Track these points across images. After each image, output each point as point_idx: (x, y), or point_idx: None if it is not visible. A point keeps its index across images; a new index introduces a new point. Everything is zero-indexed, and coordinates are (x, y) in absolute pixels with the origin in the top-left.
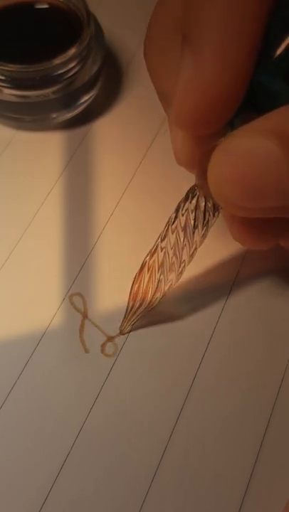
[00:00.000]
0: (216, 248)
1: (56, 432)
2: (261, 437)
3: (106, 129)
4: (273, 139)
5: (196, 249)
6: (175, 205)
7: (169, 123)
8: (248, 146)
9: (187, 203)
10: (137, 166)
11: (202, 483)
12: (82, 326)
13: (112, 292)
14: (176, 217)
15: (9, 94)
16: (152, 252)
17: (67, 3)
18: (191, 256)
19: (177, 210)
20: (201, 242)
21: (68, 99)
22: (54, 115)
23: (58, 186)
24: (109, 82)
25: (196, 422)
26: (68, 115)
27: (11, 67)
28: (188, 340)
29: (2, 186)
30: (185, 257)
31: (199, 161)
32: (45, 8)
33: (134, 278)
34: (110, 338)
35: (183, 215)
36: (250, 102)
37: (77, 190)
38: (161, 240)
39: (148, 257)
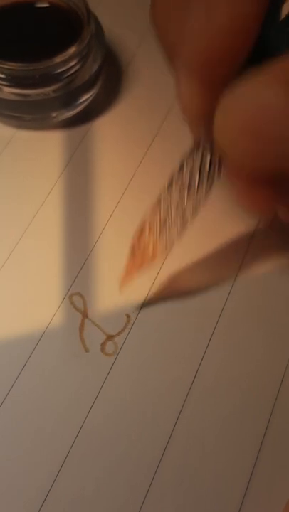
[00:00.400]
0: (214, 249)
1: (56, 431)
2: (261, 437)
3: (106, 128)
4: (280, 85)
5: (198, 207)
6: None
7: (177, 76)
8: (254, 92)
9: (191, 160)
10: (137, 165)
11: (202, 483)
12: (82, 325)
13: (111, 292)
14: (179, 175)
15: (9, 92)
16: (154, 210)
17: (68, 2)
18: (194, 214)
19: (181, 167)
20: (204, 200)
21: (68, 98)
22: (54, 114)
23: (58, 186)
24: (109, 81)
25: (196, 421)
26: (68, 114)
27: (11, 66)
28: (188, 339)
29: (2, 185)
30: (187, 214)
31: (207, 113)
32: (46, 7)
33: (136, 235)
34: (110, 337)
35: (186, 172)
36: (258, 59)
37: (77, 189)
38: (163, 197)
39: (149, 215)
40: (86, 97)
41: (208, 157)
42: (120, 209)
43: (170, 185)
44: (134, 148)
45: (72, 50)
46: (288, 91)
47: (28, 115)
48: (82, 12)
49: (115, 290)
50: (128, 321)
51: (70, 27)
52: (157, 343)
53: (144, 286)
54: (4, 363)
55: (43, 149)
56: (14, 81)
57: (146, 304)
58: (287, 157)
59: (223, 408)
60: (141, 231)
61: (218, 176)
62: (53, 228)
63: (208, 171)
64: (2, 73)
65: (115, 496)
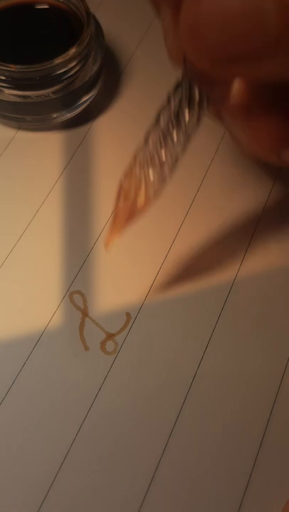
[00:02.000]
0: (215, 248)
1: (56, 430)
2: (261, 437)
3: (106, 128)
4: None
5: (177, 160)
6: (175, 206)
7: (162, 18)
8: None
9: (168, 107)
10: None
11: (202, 482)
12: (82, 324)
13: (112, 290)
14: (156, 125)
15: (10, 94)
16: (130, 165)
17: (68, 3)
18: (172, 167)
19: (158, 117)
20: (183, 152)
21: (69, 99)
22: (54, 115)
23: (58, 186)
24: (109, 82)
25: (196, 420)
26: (69, 115)
27: (12, 68)
28: (188, 339)
29: (2, 185)
30: (166, 169)
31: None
32: (46, 9)
33: (118, 186)
34: (110, 336)
35: (164, 121)
36: None
37: (78, 189)
38: (139, 152)
39: (126, 171)
40: (86, 98)
41: (194, 90)
42: None
43: (156, 122)
44: (134, 148)
45: (72, 51)
46: None
47: (28, 116)
48: (81, 13)
49: (115, 288)
50: (128, 320)
51: (70, 28)
52: (157, 342)
53: (144, 285)
54: (4, 361)
55: (44, 150)
56: (14, 83)
57: (146, 302)
58: (265, 51)
59: (223, 407)
60: (127, 174)
61: (198, 120)
62: (53, 227)
63: (196, 103)
64: (3, 75)
65: (115, 495)
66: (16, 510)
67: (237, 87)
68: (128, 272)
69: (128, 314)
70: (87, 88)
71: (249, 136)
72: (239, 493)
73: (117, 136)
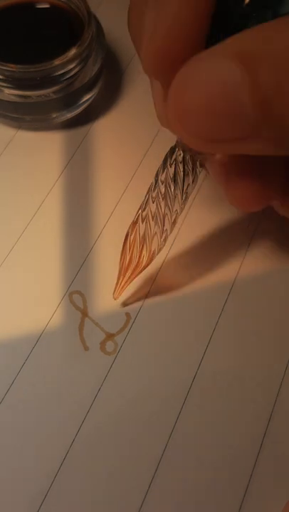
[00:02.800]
0: (215, 248)
1: (55, 430)
2: (262, 436)
3: (106, 128)
4: (235, 60)
5: (177, 216)
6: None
7: (150, 82)
8: (210, 69)
9: (166, 170)
10: (137, 165)
11: (202, 482)
12: (82, 324)
13: (111, 290)
14: (155, 186)
15: (10, 94)
16: (134, 223)
17: (68, 3)
18: (173, 224)
19: (156, 178)
20: (182, 209)
21: (69, 99)
22: (54, 115)
23: (58, 186)
24: (109, 83)
25: (196, 420)
26: (69, 115)
27: (12, 67)
28: (188, 339)
29: (2, 185)
30: (167, 225)
31: None
32: (46, 8)
33: (122, 250)
34: (110, 336)
35: (162, 183)
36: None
37: (78, 189)
38: (142, 210)
39: (130, 229)
40: (86, 98)
41: (181, 167)
42: (120, 208)
43: (148, 197)
44: (134, 148)
45: (72, 51)
46: (244, 67)
47: (28, 116)
48: (82, 13)
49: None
50: (128, 320)
51: (71, 28)
52: (157, 342)
53: (144, 285)
54: (4, 361)
55: (44, 150)
56: (15, 83)
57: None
58: (245, 137)
59: (223, 407)
60: (124, 247)
61: (193, 184)
62: (53, 227)
63: (183, 181)
64: (3, 75)
65: (114, 495)
66: (16, 510)
67: (218, 157)
68: None
69: (128, 314)
70: (87, 88)
71: (227, 195)
72: (239, 494)
73: (117, 136)
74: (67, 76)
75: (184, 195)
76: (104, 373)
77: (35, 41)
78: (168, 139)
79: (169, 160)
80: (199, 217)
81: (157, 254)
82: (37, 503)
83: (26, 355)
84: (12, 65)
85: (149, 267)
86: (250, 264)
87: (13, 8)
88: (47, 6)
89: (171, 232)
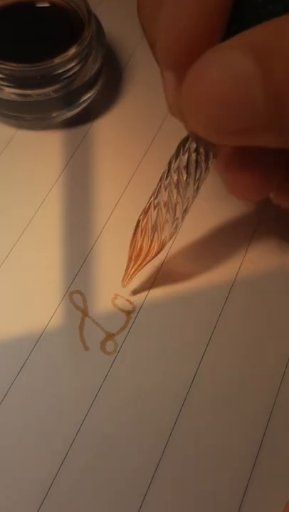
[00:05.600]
0: (215, 248)
1: (56, 430)
2: (261, 436)
3: (107, 127)
4: (249, 54)
5: (189, 205)
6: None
7: (161, 73)
8: (224, 62)
9: (178, 159)
10: (138, 164)
11: (202, 482)
12: (82, 323)
13: (111, 290)
14: (168, 174)
15: (10, 92)
16: (145, 211)
17: (68, 1)
18: (185, 212)
19: (169, 166)
20: (194, 197)
21: (69, 98)
22: (55, 114)
23: (58, 185)
24: (109, 81)
25: (196, 419)
26: (69, 114)
27: (12, 66)
28: (188, 338)
29: (2, 185)
30: (178, 213)
31: None
32: (46, 7)
33: (132, 237)
34: (110, 336)
35: (175, 171)
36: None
37: (78, 188)
38: (154, 198)
39: (141, 216)
40: (86, 97)
41: (194, 155)
42: (120, 208)
43: (160, 185)
44: (135, 147)
45: (72, 50)
46: (257, 61)
47: (28, 115)
48: (82, 12)
49: (115, 288)
50: (128, 320)
51: (71, 27)
52: (157, 342)
53: (144, 285)
54: (4, 361)
55: (44, 149)
56: (15, 81)
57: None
58: (257, 128)
59: (223, 407)
60: (135, 235)
61: (206, 173)
62: (53, 227)
63: (196, 170)
64: (3, 74)
65: (114, 495)
66: (16, 510)
67: (226, 149)
68: None
69: (128, 314)
70: (87, 87)
71: (227, 184)
72: (239, 494)
73: (117, 135)
74: (68, 75)
75: (196, 184)
76: (104, 373)
77: (36, 40)
78: (168, 138)
79: (182, 149)
80: (199, 216)
81: (168, 242)
82: (37, 503)
83: (27, 355)
84: (12, 64)
85: (150, 266)
86: (250, 263)
87: (13, 7)
88: (47, 4)
89: (182, 220)
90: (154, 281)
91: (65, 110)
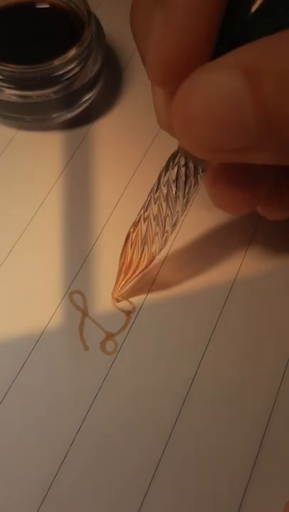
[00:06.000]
0: (215, 248)
1: (56, 430)
2: (261, 436)
3: (107, 128)
4: (239, 74)
5: (178, 218)
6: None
7: (151, 87)
8: (213, 81)
9: (168, 173)
10: (137, 165)
11: (202, 482)
12: (82, 323)
13: (111, 290)
14: (158, 187)
15: (10, 94)
16: (135, 223)
17: (68, 2)
18: (174, 225)
19: (159, 180)
20: (183, 210)
21: (69, 99)
22: (55, 115)
23: (58, 186)
24: (109, 82)
25: (196, 419)
26: (69, 115)
27: (12, 68)
28: (188, 339)
29: (2, 185)
30: (168, 227)
31: None
32: (46, 8)
33: (122, 250)
34: (110, 336)
35: (164, 184)
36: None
37: (78, 189)
38: (144, 211)
39: (132, 229)
40: (86, 98)
41: (183, 169)
42: (120, 208)
43: (149, 198)
44: (134, 148)
45: (72, 51)
46: (247, 80)
47: (28, 116)
48: (82, 13)
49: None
50: (128, 320)
51: (71, 28)
52: (157, 342)
53: (144, 285)
54: (4, 361)
55: (44, 150)
56: (15, 83)
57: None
58: (247, 147)
59: (223, 407)
60: (125, 246)
61: (195, 187)
62: (53, 227)
63: (185, 184)
64: (3, 75)
65: (114, 495)
66: (16, 510)
67: (214, 165)
68: None
69: (128, 314)
70: (87, 88)
71: (213, 199)
72: (239, 494)
73: (117, 136)
74: (68, 76)
75: (186, 198)
76: (104, 373)
77: (35, 41)
78: (168, 138)
79: (171, 163)
80: (199, 217)
81: (157, 255)
82: (37, 503)
83: (27, 355)
84: (12, 66)
85: (150, 266)
86: (250, 263)
87: (13, 8)
88: (47, 6)
89: (171, 233)
90: (154, 280)
91: (65, 111)
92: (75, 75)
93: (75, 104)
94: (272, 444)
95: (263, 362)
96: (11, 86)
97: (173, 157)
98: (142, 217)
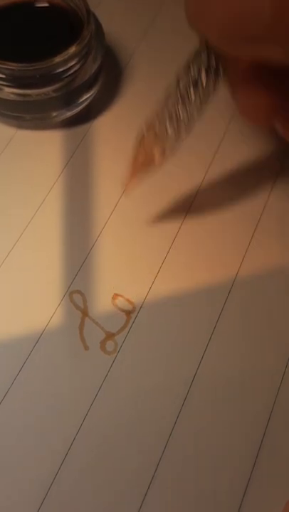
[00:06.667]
0: (216, 248)
1: (56, 430)
2: (261, 436)
3: (106, 127)
4: None
5: (193, 121)
6: (175, 205)
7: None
8: None
9: (189, 73)
10: None
11: (202, 483)
12: (82, 323)
13: (111, 290)
14: (176, 88)
15: (10, 92)
16: (150, 122)
17: (68, 1)
18: (188, 127)
19: (178, 81)
20: (199, 114)
21: (69, 98)
22: (54, 114)
23: (58, 185)
24: (109, 81)
25: (196, 419)
26: (69, 113)
27: (12, 66)
28: (188, 339)
29: (2, 185)
30: (182, 128)
31: None
32: (46, 7)
33: (136, 145)
34: (110, 336)
35: (183, 86)
36: None
37: (78, 188)
38: (160, 110)
39: (145, 128)
40: (86, 97)
41: (205, 66)
42: (121, 207)
43: (177, 82)
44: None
45: (72, 49)
46: None
47: (28, 115)
48: (82, 12)
49: (115, 288)
50: (128, 320)
51: (70, 27)
52: (157, 341)
53: (144, 285)
54: (4, 361)
55: (44, 149)
56: (14, 81)
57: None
58: (261, 36)
59: (223, 407)
60: (140, 143)
61: (214, 86)
62: (53, 226)
63: (213, 70)
64: (3, 73)
65: (114, 495)
66: (16, 510)
67: (240, 65)
68: (128, 272)
69: (128, 314)
70: (87, 87)
71: (239, 104)
72: (239, 494)
73: (117, 134)
74: (67, 74)
75: (203, 100)
76: (104, 373)
77: (35, 40)
78: None
79: (191, 65)
80: (199, 216)
81: (169, 155)
82: (37, 503)
83: (27, 355)
84: (12, 64)
85: (150, 266)
86: (250, 263)
87: (12, 7)
88: (46, 4)
89: (186, 135)
90: (154, 280)
91: (64, 110)
92: (74, 72)
93: (75, 103)
94: (272, 444)
95: (263, 362)
96: (11, 84)
97: (194, 57)
98: (158, 115)
